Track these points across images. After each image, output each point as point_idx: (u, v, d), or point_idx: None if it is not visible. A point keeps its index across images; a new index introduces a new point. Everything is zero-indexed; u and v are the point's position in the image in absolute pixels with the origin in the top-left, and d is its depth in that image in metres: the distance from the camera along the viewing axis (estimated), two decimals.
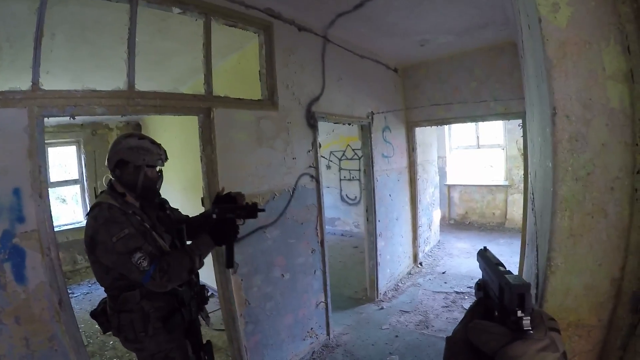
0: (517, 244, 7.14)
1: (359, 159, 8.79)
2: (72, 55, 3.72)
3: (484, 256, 0.87)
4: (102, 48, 3.57)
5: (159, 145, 2.16)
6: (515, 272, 5.64)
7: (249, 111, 3.22)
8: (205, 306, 2.37)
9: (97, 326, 2.16)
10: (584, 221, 1.10)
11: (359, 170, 8.81)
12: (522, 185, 8.38)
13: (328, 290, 4.10)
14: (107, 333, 2.12)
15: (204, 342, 2.36)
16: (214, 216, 2.16)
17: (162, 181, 2.21)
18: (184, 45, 3.78)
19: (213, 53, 2.95)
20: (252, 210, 2.20)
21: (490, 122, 7.24)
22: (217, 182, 2.88)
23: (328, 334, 4.14)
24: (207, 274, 2.96)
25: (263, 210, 2.27)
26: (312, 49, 4.01)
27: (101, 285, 2.04)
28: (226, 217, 2.15)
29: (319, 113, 3.99)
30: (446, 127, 9.30)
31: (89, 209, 1.99)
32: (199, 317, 2.31)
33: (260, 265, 3.29)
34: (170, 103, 2.65)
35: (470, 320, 0.78)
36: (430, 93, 6.00)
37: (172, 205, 2.41)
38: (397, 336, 4.18)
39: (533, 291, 1.40)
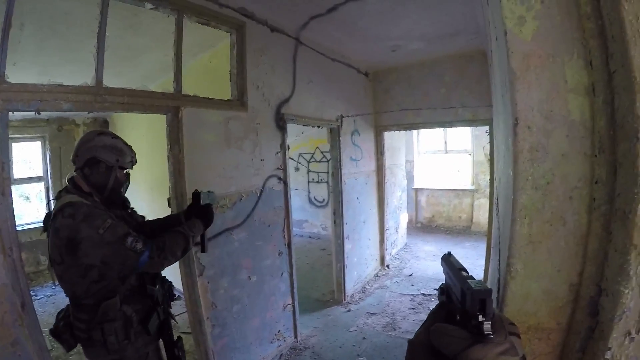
0: (482, 247, 7.35)
1: (328, 161, 8.82)
2: (41, 47, 3.58)
3: (448, 261, 0.88)
4: (72, 41, 3.45)
5: (130, 147, 2.10)
6: (481, 275, 5.86)
7: (218, 111, 3.17)
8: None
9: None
10: (542, 229, 1.14)
11: (328, 173, 8.86)
12: (488, 190, 8.58)
13: (295, 293, 4.09)
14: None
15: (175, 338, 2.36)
16: (193, 203, 2.33)
17: (128, 185, 2.15)
18: (155, 42, 3.69)
19: (184, 51, 2.89)
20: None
21: (458, 127, 7.41)
22: (184, 182, 2.82)
23: (296, 336, 4.12)
24: (172, 278, 2.89)
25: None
26: (283, 50, 3.99)
27: (71, 296, 1.89)
28: (206, 204, 2.34)
29: (289, 115, 3.97)
30: (415, 131, 9.47)
31: (52, 210, 1.86)
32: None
33: (227, 268, 3.24)
34: (138, 100, 2.57)
35: (432, 324, 0.79)
36: (400, 98, 6.09)
37: (137, 205, 2.40)
38: (364, 338, 4.21)
39: (495, 296, 1.43)
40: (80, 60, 3.42)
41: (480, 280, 0.71)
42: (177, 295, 2.42)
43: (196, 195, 2.34)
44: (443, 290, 0.88)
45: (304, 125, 4.54)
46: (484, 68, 5.26)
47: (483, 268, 6.02)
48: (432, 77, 5.76)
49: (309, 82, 4.41)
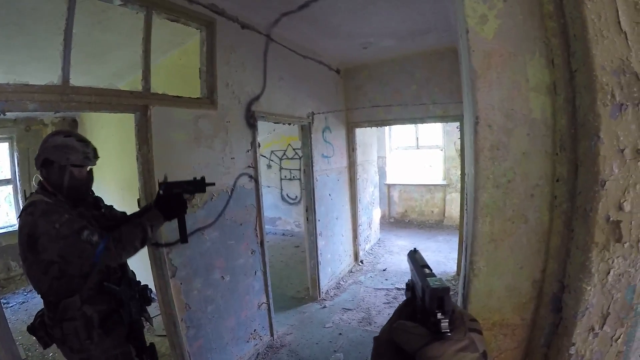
0: (455, 241, 7.48)
1: (300, 158, 8.80)
2: (7, 44, 3.44)
3: (413, 258, 0.85)
4: (39, 38, 3.32)
5: (87, 143, 2.05)
6: (454, 268, 5.97)
7: (187, 110, 3.09)
8: (148, 307, 2.30)
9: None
10: (504, 226, 1.15)
11: (300, 170, 8.84)
12: (459, 184, 8.78)
13: (269, 291, 4.05)
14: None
15: (147, 344, 2.32)
16: (160, 192, 2.17)
17: (92, 181, 2.14)
18: (124, 39, 3.57)
19: (153, 48, 2.81)
20: (199, 184, 2.25)
21: (430, 124, 7.52)
22: (154, 182, 2.74)
23: (272, 334, 4.10)
24: (145, 280, 2.82)
25: (212, 184, 2.34)
26: (254, 47, 3.93)
27: (38, 292, 1.91)
28: (172, 193, 2.17)
29: (259, 112, 3.92)
30: (387, 128, 9.54)
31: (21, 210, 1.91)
32: (142, 318, 2.24)
33: (200, 268, 3.18)
34: (106, 100, 2.48)
35: (396, 321, 0.77)
36: (371, 95, 6.12)
37: (107, 204, 2.34)
38: (340, 334, 4.23)
39: (462, 291, 1.44)
40: (47, 58, 3.32)
41: (439, 278, 0.70)
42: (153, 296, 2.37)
43: (160, 184, 2.21)
44: (409, 287, 0.84)
45: (274, 123, 4.50)
46: (454, 65, 5.33)
47: (456, 261, 6.17)
48: (404, 74, 5.81)
49: (280, 79, 4.36)
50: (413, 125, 9.23)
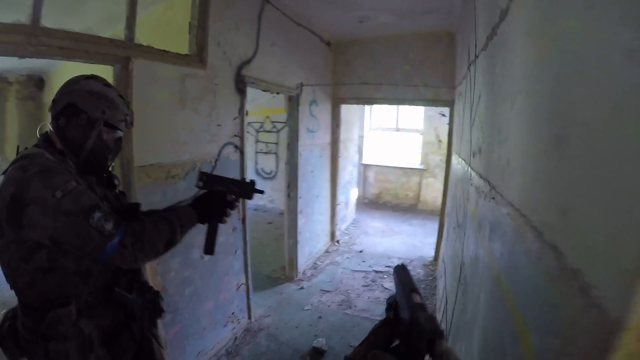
0: (430, 225, 7.53)
1: (278, 132, 8.49)
2: None
3: (401, 275, 0.82)
4: None
5: (127, 104, 1.58)
6: (432, 253, 5.92)
7: (173, 66, 2.73)
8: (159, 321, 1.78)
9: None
10: None
11: (277, 144, 8.54)
12: (437, 170, 8.80)
13: (249, 271, 3.83)
14: None
15: None
16: (200, 184, 1.70)
17: (118, 153, 1.64)
18: None
19: None
20: (247, 188, 1.76)
21: (414, 106, 7.40)
22: (132, 147, 2.40)
23: (249, 317, 3.87)
24: None
25: (262, 192, 1.82)
26: (249, 7, 3.58)
27: (11, 287, 1.36)
28: (214, 189, 1.70)
29: (250, 78, 3.60)
30: (367, 107, 9.32)
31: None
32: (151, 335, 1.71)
33: (178, 247, 2.87)
34: (82, 46, 2.11)
35: (373, 342, 0.75)
36: (361, 71, 5.88)
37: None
38: (320, 317, 4.06)
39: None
40: None
41: (431, 315, 0.65)
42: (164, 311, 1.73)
43: (198, 176, 1.72)
44: (391, 306, 0.81)
45: (263, 91, 4.18)
46: (449, 49, 5.26)
47: (432, 247, 6.15)
48: (397, 53, 5.60)
49: (273, 45, 4.03)
50: (395, 106, 9.10)
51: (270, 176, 8.79)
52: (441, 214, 5.66)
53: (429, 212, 8.70)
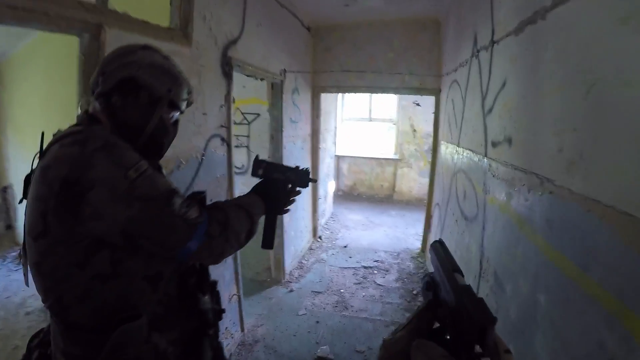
0: (409, 216, 7.45)
1: (249, 124, 8.05)
2: None
3: (439, 253, 0.75)
4: None
5: (187, 81, 1.27)
6: (416, 244, 5.77)
7: (154, 41, 2.24)
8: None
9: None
10: None
11: (248, 136, 8.10)
12: (412, 160, 8.69)
13: (240, 280, 3.43)
14: None
15: None
16: (260, 172, 1.48)
17: (173, 137, 1.33)
18: None
19: None
20: (303, 176, 1.57)
21: (398, 95, 7.22)
22: None
23: (242, 329, 3.48)
24: None
25: (315, 180, 1.69)
26: None
27: (54, 303, 1.01)
28: (274, 177, 1.50)
29: (236, 60, 3.19)
30: (340, 97, 9.03)
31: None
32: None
33: None
34: (42, 6, 1.55)
35: (417, 327, 0.71)
36: (343, 58, 5.58)
37: None
38: (318, 322, 3.75)
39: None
40: None
41: (481, 298, 0.59)
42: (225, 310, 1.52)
43: (256, 163, 1.53)
44: (429, 285, 0.75)
45: (247, 76, 3.77)
46: (435, 37, 5.14)
47: (416, 238, 6.05)
48: (381, 40, 5.37)
49: (258, 25, 3.63)
50: (368, 96, 8.89)
51: (241, 171, 8.27)
52: (428, 205, 5.50)
53: (405, 202, 8.59)
